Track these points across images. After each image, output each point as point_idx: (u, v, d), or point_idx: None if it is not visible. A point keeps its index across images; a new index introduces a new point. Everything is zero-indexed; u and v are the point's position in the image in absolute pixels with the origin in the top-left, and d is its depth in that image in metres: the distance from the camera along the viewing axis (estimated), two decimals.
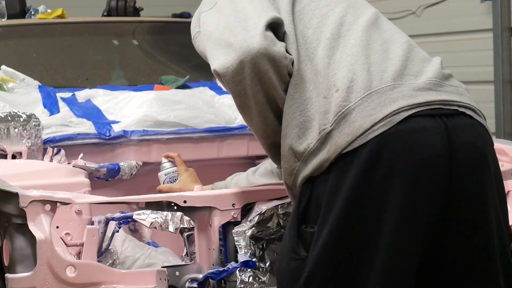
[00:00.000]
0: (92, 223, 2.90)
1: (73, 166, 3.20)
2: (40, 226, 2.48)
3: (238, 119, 3.60)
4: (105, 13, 4.94)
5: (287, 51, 2.28)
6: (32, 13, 4.63)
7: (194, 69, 4.32)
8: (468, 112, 2.24)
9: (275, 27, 2.29)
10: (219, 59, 2.28)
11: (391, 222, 2.12)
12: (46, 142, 3.32)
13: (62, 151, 3.28)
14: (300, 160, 2.24)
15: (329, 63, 2.26)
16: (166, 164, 3.23)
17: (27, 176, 2.99)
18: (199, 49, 2.46)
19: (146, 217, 2.76)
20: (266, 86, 2.26)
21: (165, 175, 3.22)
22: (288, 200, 2.65)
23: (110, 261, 2.94)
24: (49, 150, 3.29)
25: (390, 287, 2.14)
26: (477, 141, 2.21)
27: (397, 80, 2.22)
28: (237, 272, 2.58)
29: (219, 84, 3.94)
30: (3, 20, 4.52)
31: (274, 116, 2.32)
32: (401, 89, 2.20)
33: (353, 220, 2.14)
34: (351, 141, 2.15)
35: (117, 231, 2.94)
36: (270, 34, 2.25)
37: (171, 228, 2.78)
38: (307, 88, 2.27)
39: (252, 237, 2.60)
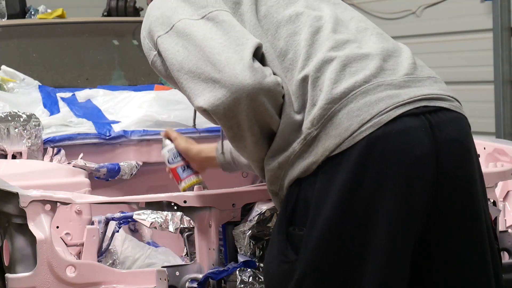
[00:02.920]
0: (92, 223, 2.90)
1: (73, 166, 3.20)
2: (40, 226, 2.48)
3: None
4: (105, 13, 4.95)
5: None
6: (32, 13, 4.63)
7: None
8: (451, 106, 2.24)
9: (257, 52, 2.22)
10: (205, 96, 2.18)
11: (384, 224, 2.12)
12: (46, 142, 3.32)
13: (62, 151, 3.28)
14: (285, 165, 2.23)
15: (310, 69, 2.22)
16: (167, 141, 3.19)
17: (27, 176, 2.99)
18: (162, 73, 2.37)
19: (146, 217, 2.76)
20: (262, 117, 2.20)
21: (168, 151, 3.15)
22: None
23: (110, 261, 2.95)
24: (49, 150, 3.29)
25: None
26: (459, 136, 2.23)
27: (379, 77, 2.21)
28: (237, 272, 2.58)
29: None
30: (3, 20, 4.52)
31: (268, 143, 2.26)
32: (384, 87, 2.20)
33: (343, 223, 2.13)
34: (339, 144, 2.14)
35: (117, 231, 2.94)
36: (258, 65, 2.18)
37: (171, 228, 2.78)
38: (293, 100, 2.23)
39: (252, 237, 2.60)
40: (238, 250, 2.61)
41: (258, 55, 2.24)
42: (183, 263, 2.79)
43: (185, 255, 2.91)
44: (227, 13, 2.29)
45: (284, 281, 2.20)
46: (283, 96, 2.22)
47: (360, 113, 2.15)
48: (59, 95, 3.72)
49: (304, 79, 2.22)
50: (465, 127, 2.27)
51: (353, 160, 2.12)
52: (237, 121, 2.19)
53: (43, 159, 3.28)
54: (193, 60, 2.22)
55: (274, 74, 2.23)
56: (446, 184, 2.18)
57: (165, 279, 2.56)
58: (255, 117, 2.19)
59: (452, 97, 2.28)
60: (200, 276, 2.57)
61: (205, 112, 2.22)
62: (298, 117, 2.22)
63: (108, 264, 2.90)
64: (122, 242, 3.14)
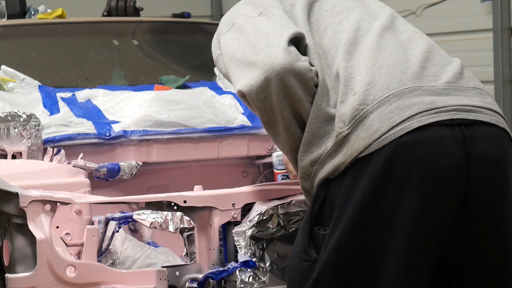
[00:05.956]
0: (92, 223, 2.90)
1: (73, 166, 3.20)
2: (40, 226, 2.48)
3: (238, 119, 3.61)
4: (105, 13, 4.94)
5: (310, 64, 2.26)
6: (32, 13, 4.63)
7: (194, 69, 4.32)
8: (491, 120, 2.19)
9: (297, 42, 2.29)
10: (244, 79, 2.27)
11: (403, 231, 2.11)
12: (46, 142, 3.32)
13: (62, 151, 3.28)
14: (317, 163, 2.24)
15: (346, 67, 2.24)
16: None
17: (27, 176, 2.99)
18: (222, 71, 2.46)
19: (146, 217, 2.77)
20: (292, 101, 2.25)
21: (276, 157, 3.34)
22: (288, 200, 2.65)
23: (110, 261, 2.95)
24: (49, 150, 3.29)
25: None
26: (496, 152, 2.17)
27: (416, 82, 2.19)
28: (237, 272, 2.58)
29: (219, 84, 3.94)
30: (3, 20, 4.52)
31: (300, 131, 2.29)
32: (420, 92, 2.17)
33: (364, 225, 2.12)
34: (368, 145, 2.13)
35: (117, 231, 2.94)
36: (293, 49, 2.24)
37: (171, 228, 2.78)
38: (331, 96, 2.25)
39: (252, 237, 2.61)
40: (238, 250, 2.61)
41: (300, 46, 2.29)
42: (183, 263, 2.79)
43: (185, 255, 2.92)
44: (280, 9, 2.39)
45: (303, 279, 2.20)
46: (316, 86, 2.25)
47: (391, 115, 2.13)
48: (59, 95, 3.72)
49: (337, 76, 2.24)
50: (504, 144, 2.21)
51: (380, 163, 2.11)
52: (270, 104, 2.25)
53: (43, 159, 3.28)
54: (241, 48, 2.33)
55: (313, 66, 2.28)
56: (475, 200, 2.15)
57: (165, 279, 2.57)
58: (285, 99, 2.24)
59: (495, 111, 2.23)
60: (200, 276, 2.57)
61: (244, 98, 2.31)
62: (331, 110, 2.24)
63: (108, 264, 2.90)
64: (122, 242, 3.14)
